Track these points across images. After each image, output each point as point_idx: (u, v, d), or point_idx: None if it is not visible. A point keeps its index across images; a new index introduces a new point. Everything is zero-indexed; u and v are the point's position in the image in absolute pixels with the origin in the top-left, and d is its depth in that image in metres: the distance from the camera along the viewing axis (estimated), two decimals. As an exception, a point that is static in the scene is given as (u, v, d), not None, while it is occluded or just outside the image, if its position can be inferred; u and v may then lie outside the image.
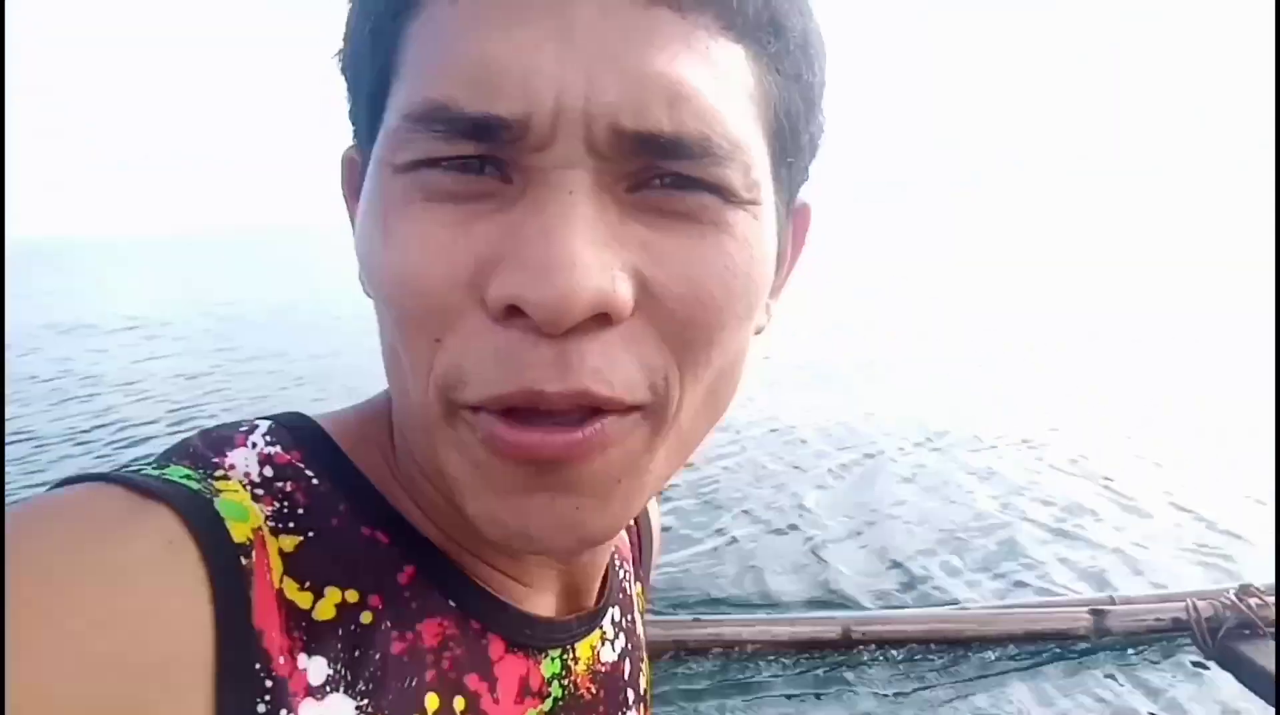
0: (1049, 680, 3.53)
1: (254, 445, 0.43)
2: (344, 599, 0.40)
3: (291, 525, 0.40)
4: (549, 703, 0.47)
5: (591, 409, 0.36)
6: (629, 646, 0.55)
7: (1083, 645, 3.71)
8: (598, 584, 0.53)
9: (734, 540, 5.01)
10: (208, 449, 0.42)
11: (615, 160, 0.36)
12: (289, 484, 0.42)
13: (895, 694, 3.45)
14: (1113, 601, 3.86)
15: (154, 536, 0.36)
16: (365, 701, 0.39)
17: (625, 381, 0.36)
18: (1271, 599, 3.25)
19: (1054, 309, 15.76)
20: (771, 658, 3.63)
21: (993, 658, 3.67)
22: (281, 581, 0.38)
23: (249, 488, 0.41)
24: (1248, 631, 3.17)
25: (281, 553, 0.39)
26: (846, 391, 8.75)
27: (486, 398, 0.36)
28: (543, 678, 0.47)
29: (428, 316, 0.37)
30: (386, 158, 0.38)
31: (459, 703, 0.43)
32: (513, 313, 0.35)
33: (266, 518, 0.40)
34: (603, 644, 0.53)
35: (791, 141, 0.42)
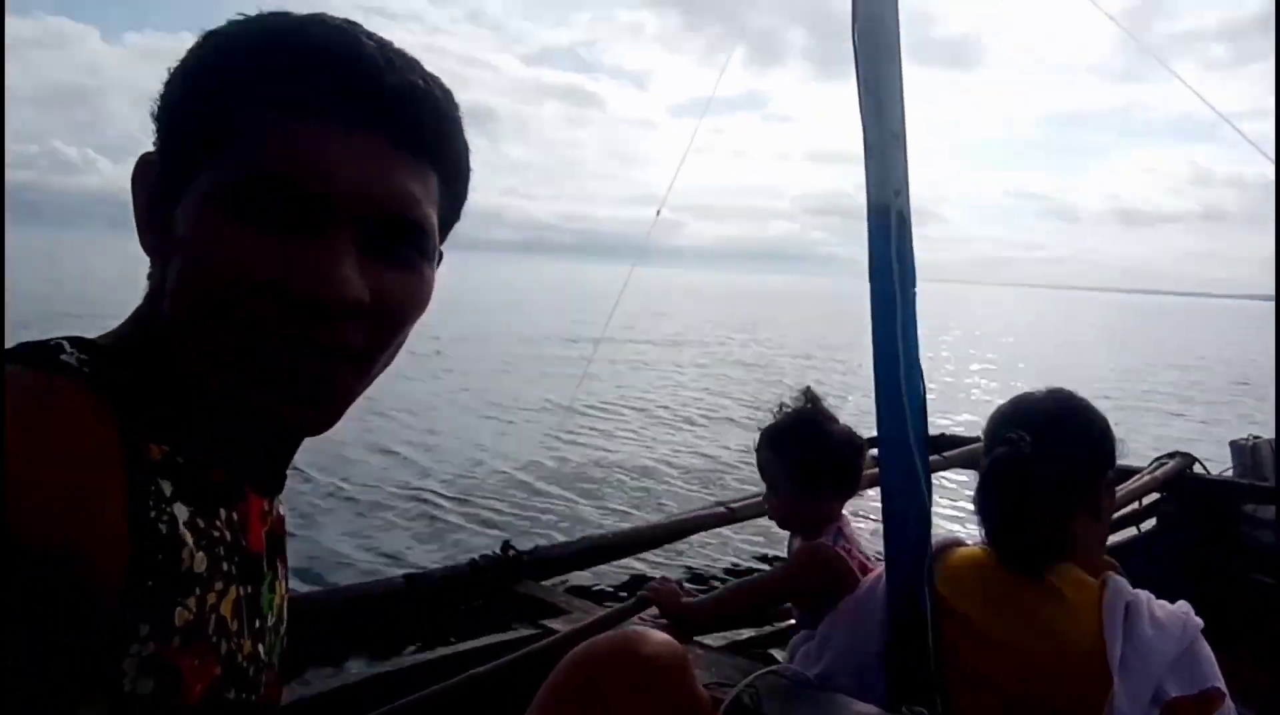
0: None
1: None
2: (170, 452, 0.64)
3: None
4: (268, 527, 0.76)
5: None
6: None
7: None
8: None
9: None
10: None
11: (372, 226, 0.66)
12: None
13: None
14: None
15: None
16: (192, 508, 0.63)
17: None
18: None
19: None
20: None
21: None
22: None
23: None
24: None
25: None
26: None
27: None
28: (265, 511, 0.75)
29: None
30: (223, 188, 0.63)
31: (234, 516, 0.69)
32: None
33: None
34: (281, 503, 0.80)
35: (444, 227, 0.74)
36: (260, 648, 0.72)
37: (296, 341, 0.62)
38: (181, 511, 0.62)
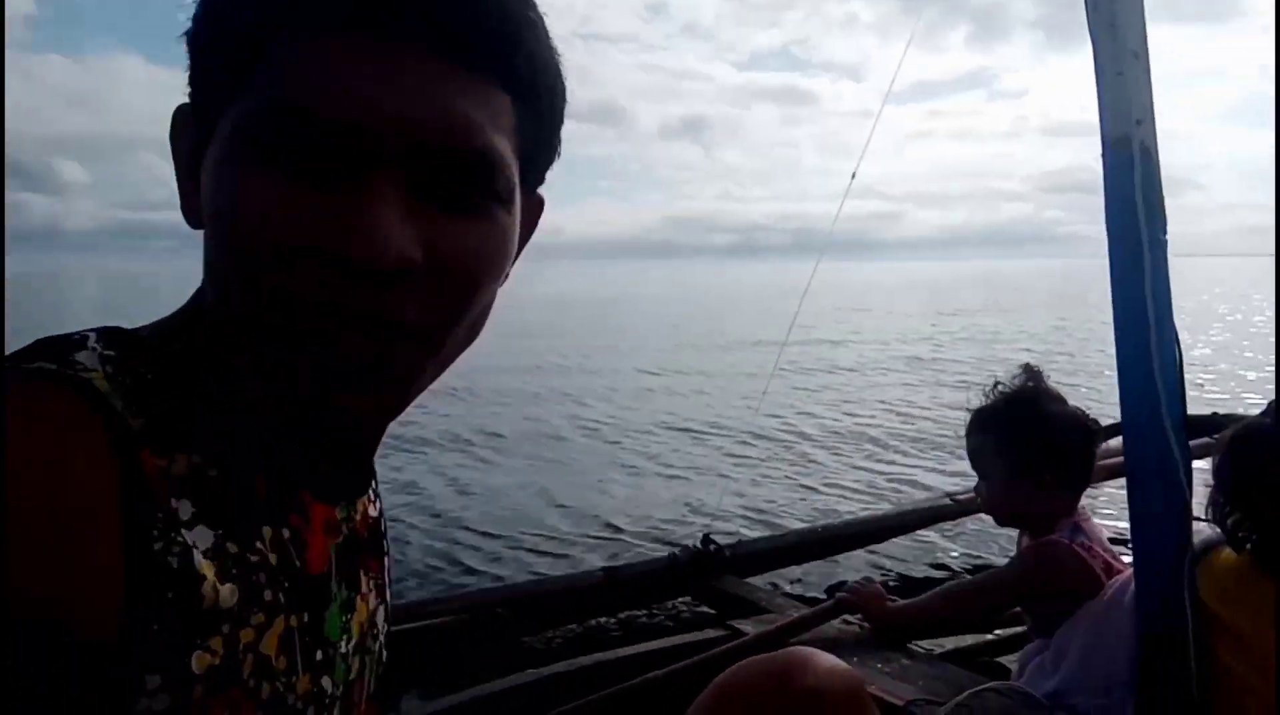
0: None
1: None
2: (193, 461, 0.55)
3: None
4: (342, 537, 0.65)
5: None
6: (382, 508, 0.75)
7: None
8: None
9: None
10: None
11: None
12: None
13: None
14: None
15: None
16: (219, 531, 0.54)
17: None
18: None
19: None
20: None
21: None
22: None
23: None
24: None
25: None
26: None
27: None
28: (337, 519, 0.65)
29: None
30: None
31: (285, 532, 0.59)
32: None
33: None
34: (372, 501, 0.71)
35: (533, 163, 0.59)
36: (326, 681, 0.62)
37: (336, 315, 0.50)
38: (203, 537, 0.53)
